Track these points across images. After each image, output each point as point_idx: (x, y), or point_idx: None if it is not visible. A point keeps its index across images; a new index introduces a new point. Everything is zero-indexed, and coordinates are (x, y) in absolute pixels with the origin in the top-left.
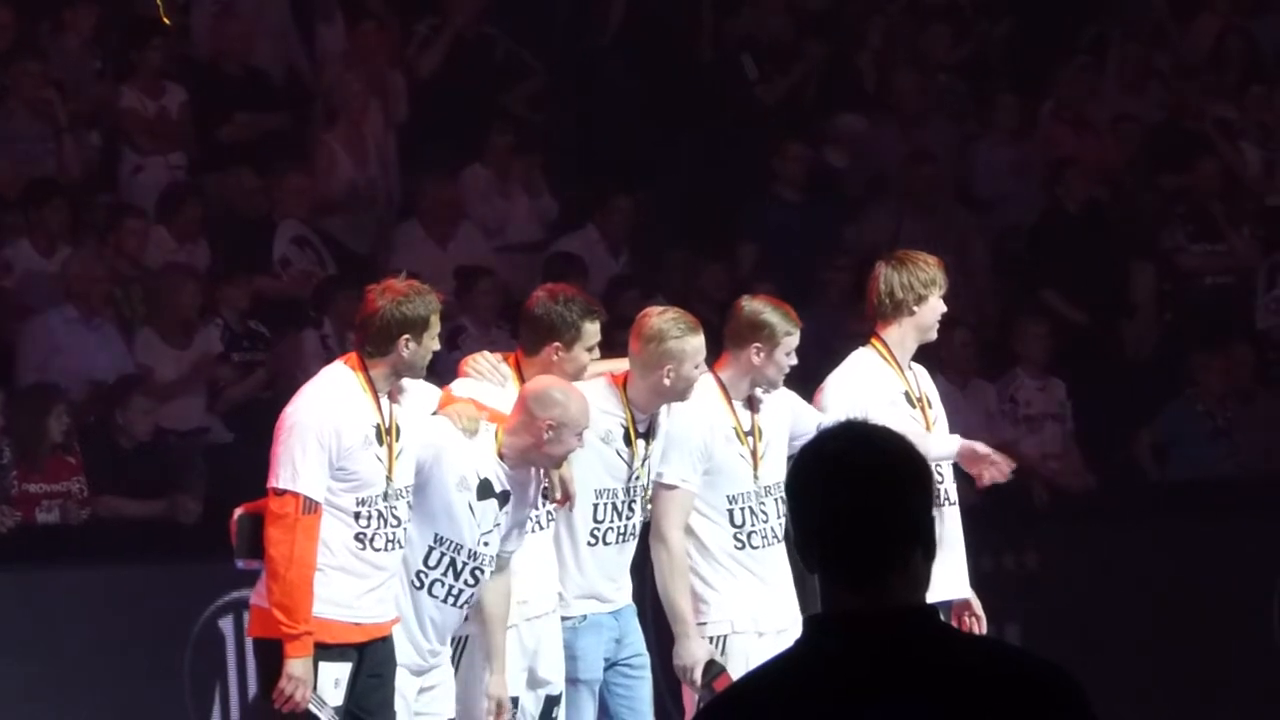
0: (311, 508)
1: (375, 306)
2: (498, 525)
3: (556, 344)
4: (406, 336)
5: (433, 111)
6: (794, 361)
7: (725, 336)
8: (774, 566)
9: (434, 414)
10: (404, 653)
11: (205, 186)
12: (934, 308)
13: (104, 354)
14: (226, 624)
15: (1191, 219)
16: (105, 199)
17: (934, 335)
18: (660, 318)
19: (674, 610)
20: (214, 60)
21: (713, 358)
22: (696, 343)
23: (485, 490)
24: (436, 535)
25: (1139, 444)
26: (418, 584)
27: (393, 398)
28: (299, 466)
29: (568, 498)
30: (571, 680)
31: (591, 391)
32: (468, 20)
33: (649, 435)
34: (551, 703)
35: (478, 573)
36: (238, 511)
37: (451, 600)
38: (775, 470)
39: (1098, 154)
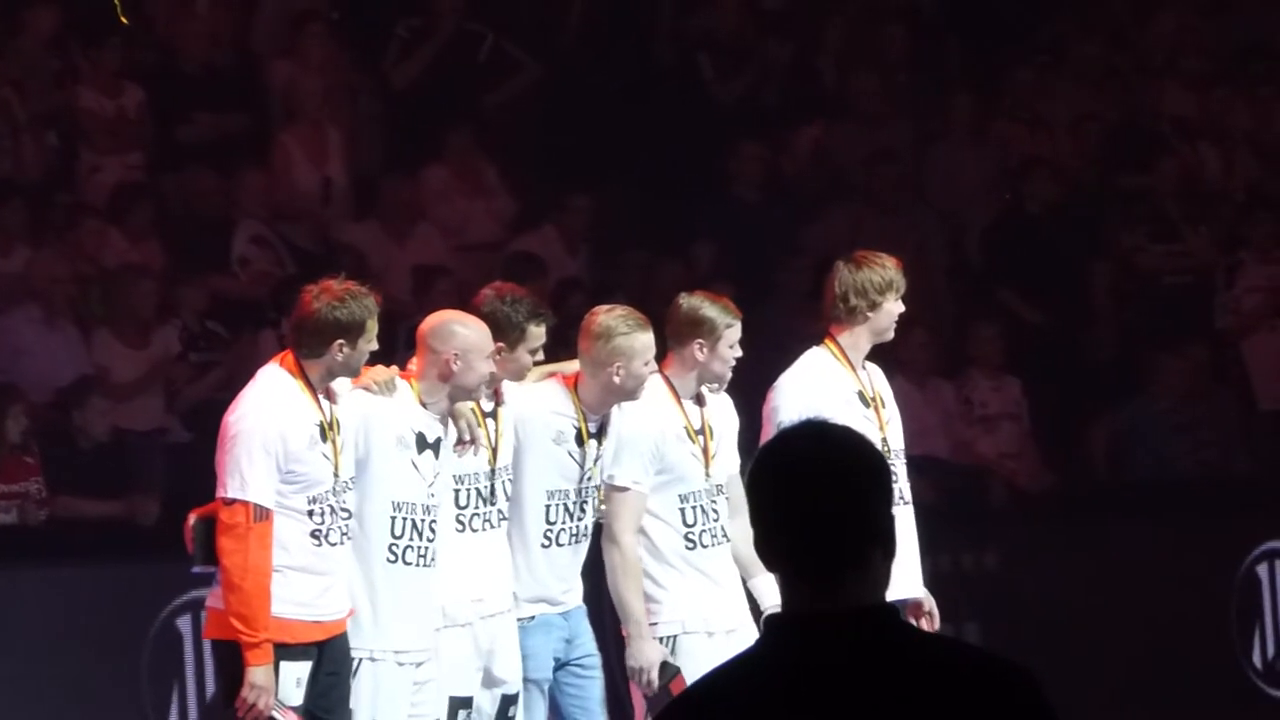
0: (262, 515)
1: (311, 309)
2: (438, 475)
3: (500, 344)
4: (340, 341)
5: (393, 111)
6: (739, 354)
7: (668, 336)
8: (723, 566)
9: (351, 390)
10: (389, 640)
11: (164, 186)
12: (889, 312)
13: (66, 355)
14: (184, 623)
15: (1150, 219)
16: (63, 199)
17: (890, 337)
18: (608, 315)
19: (627, 612)
20: (173, 59)
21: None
22: (645, 339)
23: (421, 443)
24: (394, 503)
25: (1097, 441)
26: (391, 558)
27: (330, 397)
28: (246, 475)
29: (474, 440)
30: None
31: (543, 392)
32: (453, 20)
33: (600, 435)
34: (508, 702)
35: (434, 525)
36: (192, 518)
37: (422, 562)
38: (725, 468)
39: (1056, 154)
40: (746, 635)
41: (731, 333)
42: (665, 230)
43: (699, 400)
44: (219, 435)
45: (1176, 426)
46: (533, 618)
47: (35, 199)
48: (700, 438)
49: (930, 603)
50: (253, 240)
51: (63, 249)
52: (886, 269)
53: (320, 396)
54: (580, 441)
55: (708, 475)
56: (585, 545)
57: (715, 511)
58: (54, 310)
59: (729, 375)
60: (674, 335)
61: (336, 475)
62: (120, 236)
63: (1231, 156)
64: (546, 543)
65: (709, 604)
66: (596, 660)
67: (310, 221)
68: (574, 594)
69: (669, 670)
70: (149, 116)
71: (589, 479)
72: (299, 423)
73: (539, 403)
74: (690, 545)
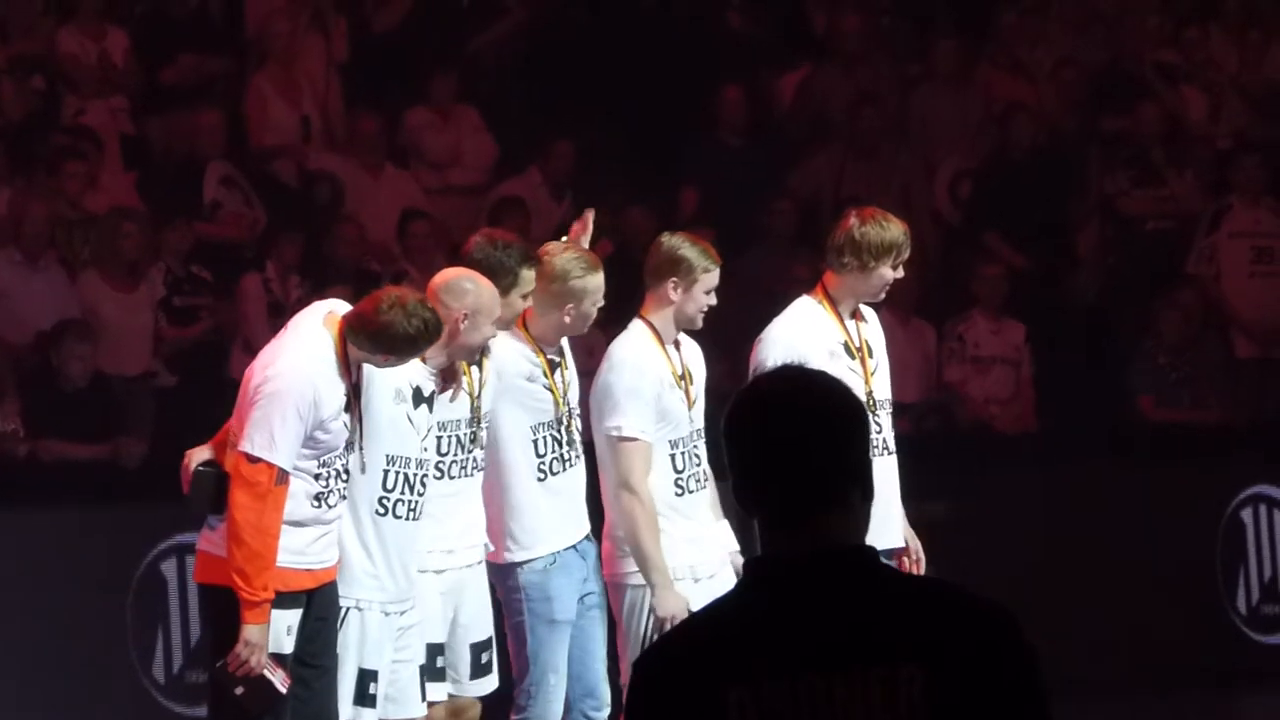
0: (284, 479)
1: (378, 319)
2: (430, 430)
3: None
4: (389, 356)
5: (377, 52)
6: (713, 301)
7: (646, 275)
8: (704, 510)
9: None
10: (375, 590)
11: (148, 129)
12: (881, 276)
13: (50, 298)
14: (169, 568)
15: (1134, 164)
16: (48, 142)
17: (878, 299)
18: (563, 257)
19: (649, 562)
20: (158, 3)
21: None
22: (598, 281)
23: (418, 397)
24: (388, 456)
25: (1081, 387)
26: (381, 510)
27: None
28: (276, 437)
29: (454, 378)
30: (548, 621)
31: (504, 337)
32: None
33: (561, 363)
34: (478, 649)
35: (425, 480)
36: (191, 460)
37: (411, 515)
38: (702, 412)
39: (1040, 98)
40: (725, 579)
41: (709, 277)
42: (649, 174)
43: (676, 345)
44: (246, 381)
45: (1161, 371)
46: (554, 559)
47: (18, 142)
48: (683, 383)
49: (916, 546)
50: (222, 182)
51: (46, 192)
52: (888, 232)
53: (352, 366)
54: (547, 375)
55: (690, 420)
56: (581, 468)
57: (698, 456)
58: (35, 253)
59: (699, 321)
60: (651, 273)
61: (349, 444)
62: (103, 180)
63: (1218, 101)
64: (542, 475)
65: (695, 551)
66: (600, 600)
67: (290, 165)
68: (581, 522)
69: None
70: (133, 60)
71: (563, 407)
72: (332, 393)
73: (506, 347)
74: (679, 492)
